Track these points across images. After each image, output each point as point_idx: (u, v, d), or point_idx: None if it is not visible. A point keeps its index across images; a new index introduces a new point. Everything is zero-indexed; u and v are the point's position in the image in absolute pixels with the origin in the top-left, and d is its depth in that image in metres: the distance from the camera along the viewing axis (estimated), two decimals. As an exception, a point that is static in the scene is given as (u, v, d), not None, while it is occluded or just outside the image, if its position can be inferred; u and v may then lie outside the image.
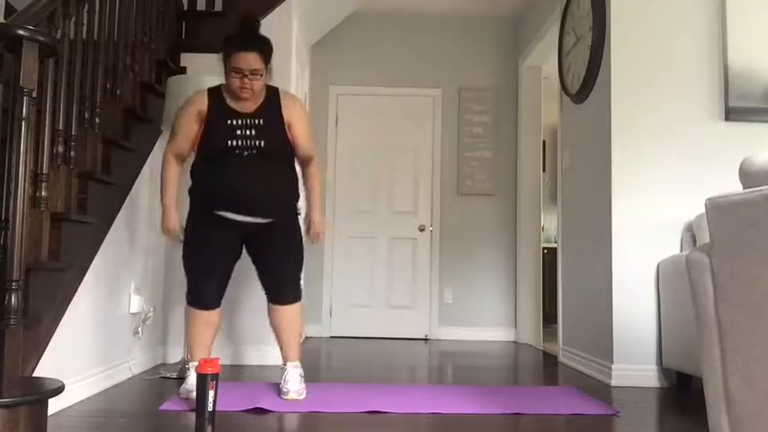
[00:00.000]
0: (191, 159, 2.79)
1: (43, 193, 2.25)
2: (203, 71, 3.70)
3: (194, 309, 2.71)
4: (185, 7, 3.88)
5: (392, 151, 5.42)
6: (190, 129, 2.68)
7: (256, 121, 2.66)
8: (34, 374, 2.20)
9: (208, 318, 2.72)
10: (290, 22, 3.85)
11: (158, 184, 3.55)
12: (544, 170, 6.52)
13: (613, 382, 3.21)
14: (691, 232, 3.25)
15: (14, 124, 1.89)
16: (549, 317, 5.72)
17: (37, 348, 2.22)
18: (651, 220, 3.31)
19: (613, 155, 3.33)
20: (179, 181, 2.76)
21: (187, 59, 3.78)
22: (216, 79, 3.28)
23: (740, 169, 1.63)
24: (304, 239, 2.86)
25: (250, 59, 2.57)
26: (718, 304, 1.61)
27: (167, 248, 3.66)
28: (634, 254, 3.30)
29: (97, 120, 2.74)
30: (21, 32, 1.88)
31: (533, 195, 5.25)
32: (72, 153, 2.52)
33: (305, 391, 2.74)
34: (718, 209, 1.60)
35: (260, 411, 2.45)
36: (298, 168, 2.85)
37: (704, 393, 1.66)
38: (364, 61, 5.47)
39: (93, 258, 2.68)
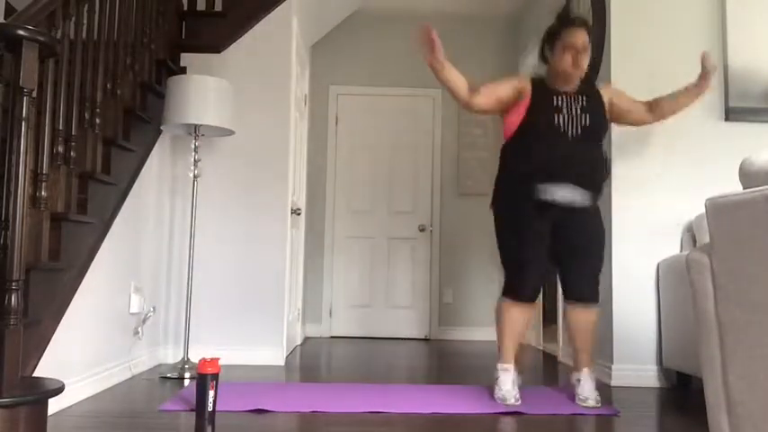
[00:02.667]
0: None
1: (43, 193, 2.25)
2: (203, 71, 3.70)
3: (515, 302, 2.67)
4: (185, 7, 3.88)
5: (392, 151, 5.42)
6: (503, 91, 2.71)
7: (581, 98, 2.70)
8: (34, 374, 2.20)
9: (528, 311, 2.69)
10: (290, 22, 3.85)
11: (164, 184, 3.56)
12: (544, 170, 6.51)
13: (613, 382, 3.21)
14: (691, 232, 3.25)
15: (14, 124, 1.89)
16: (549, 317, 5.72)
17: (37, 348, 2.22)
18: (651, 220, 3.31)
19: (613, 155, 3.33)
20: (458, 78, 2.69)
21: (187, 59, 3.78)
22: (215, 79, 3.28)
23: (740, 169, 1.63)
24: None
25: (582, 35, 2.65)
26: (718, 304, 1.61)
27: (168, 247, 3.67)
28: (634, 254, 3.30)
29: (97, 120, 2.74)
30: (21, 32, 1.88)
31: (533, 195, 5.24)
32: (72, 153, 2.52)
33: (596, 395, 2.66)
34: (718, 209, 1.60)
35: (260, 411, 2.45)
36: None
37: (704, 393, 1.66)
38: (364, 61, 5.47)
39: (93, 258, 2.68)
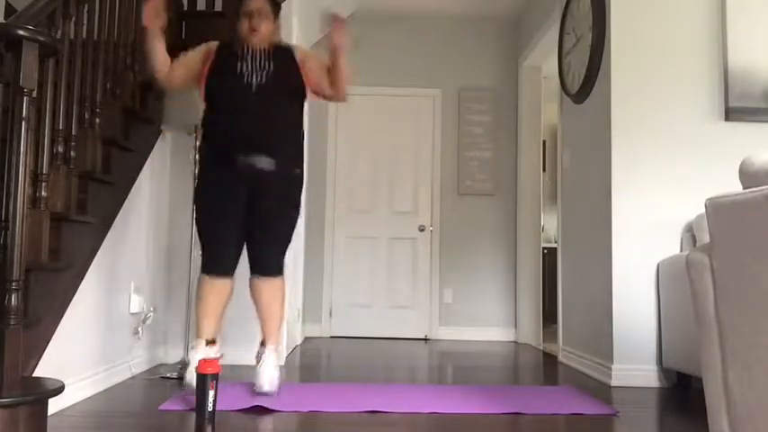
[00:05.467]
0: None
1: (43, 193, 2.25)
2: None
3: (208, 277, 2.67)
4: (185, 7, 3.87)
5: (392, 151, 5.42)
6: (192, 60, 2.76)
7: (267, 51, 2.73)
8: (34, 374, 2.20)
9: (221, 287, 2.69)
10: (289, 22, 3.85)
11: (164, 184, 3.56)
12: (544, 170, 6.52)
13: (613, 382, 3.21)
14: (691, 232, 3.25)
15: (14, 124, 1.89)
16: (549, 317, 5.73)
17: (37, 348, 2.22)
18: (651, 220, 3.31)
19: (613, 155, 3.33)
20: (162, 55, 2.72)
21: (187, 59, 3.78)
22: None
23: (740, 169, 1.63)
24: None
25: (257, 2, 2.70)
26: (719, 304, 1.61)
27: (168, 247, 3.66)
28: (634, 254, 3.30)
29: (97, 120, 2.74)
30: (21, 32, 1.88)
31: (533, 195, 5.25)
32: (72, 153, 2.52)
33: (277, 381, 2.66)
34: (718, 209, 1.60)
35: (260, 411, 2.45)
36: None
37: (704, 393, 1.66)
38: (364, 61, 5.47)
39: (93, 258, 2.68)
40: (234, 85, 2.65)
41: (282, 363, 3.66)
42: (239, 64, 2.66)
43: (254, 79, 2.64)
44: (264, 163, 2.64)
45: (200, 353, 2.64)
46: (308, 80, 2.79)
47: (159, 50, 2.70)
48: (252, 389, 2.72)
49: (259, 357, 2.74)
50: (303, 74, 2.77)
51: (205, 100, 2.74)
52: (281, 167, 2.69)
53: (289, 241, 2.79)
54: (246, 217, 2.72)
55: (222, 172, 2.66)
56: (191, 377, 2.59)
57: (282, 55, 2.77)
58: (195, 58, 2.77)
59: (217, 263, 2.68)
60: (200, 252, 2.71)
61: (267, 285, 2.75)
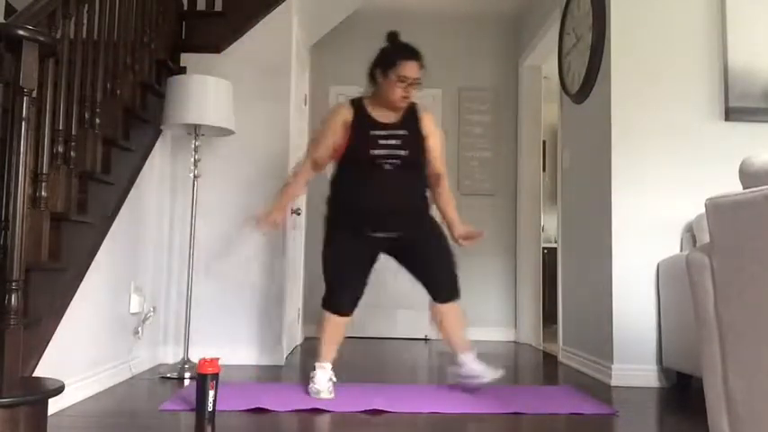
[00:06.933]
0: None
1: (43, 193, 2.25)
2: (203, 71, 3.70)
3: (333, 315, 2.81)
4: (185, 7, 3.87)
5: (392, 151, 5.41)
6: (334, 138, 2.78)
7: (399, 132, 2.77)
8: (34, 374, 2.20)
9: (344, 322, 2.84)
10: (290, 22, 3.85)
11: (164, 184, 3.56)
12: (544, 170, 6.51)
13: (613, 382, 3.21)
14: (691, 232, 3.25)
15: (14, 124, 1.89)
16: (549, 317, 5.72)
17: (37, 348, 2.22)
18: (651, 220, 3.31)
19: (613, 155, 3.33)
20: (303, 188, 2.88)
21: (187, 59, 3.78)
22: (215, 79, 3.28)
23: (740, 169, 1.63)
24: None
25: (416, 68, 2.74)
26: (718, 304, 1.61)
27: (168, 247, 3.67)
28: (634, 254, 3.30)
29: (97, 120, 2.74)
30: (21, 32, 1.88)
31: (533, 195, 5.25)
32: (72, 153, 2.52)
33: (489, 369, 2.87)
34: (718, 209, 1.60)
35: (260, 411, 2.45)
36: None
37: (704, 393, 1.66)
38: (364, 61, 5.43)
39: (93, 258, 2.68)
40: (368, 164, 2.71)
41: (283, 363, 3.67)
42: (374, 151, 2.71)
43: (387, 163, 2.72)
44: (399, 234, 2.81)
45: (327, 373, 2.77)
46: (425, 153, 2.87)
47: (298, 188, 2.90)
48: (479, 380, 2.89)
49: (464, 369, 2.90)
50: (424, 146, 2.85)
51: (341, 165, 2.82)
52: (415, 229, 2.85)
53: (453, 258, 2.91)
54: (408, 264, 2.92)
55: (357, 236, 2.78)
56: (317, 390, 2.74)
57: (413, 128, 2.82)
58: (336, 134, 2.78)
59: (343, 306, 2.82)
60: (326, 289, 2.84)
61: (448, 310, 2.89)
